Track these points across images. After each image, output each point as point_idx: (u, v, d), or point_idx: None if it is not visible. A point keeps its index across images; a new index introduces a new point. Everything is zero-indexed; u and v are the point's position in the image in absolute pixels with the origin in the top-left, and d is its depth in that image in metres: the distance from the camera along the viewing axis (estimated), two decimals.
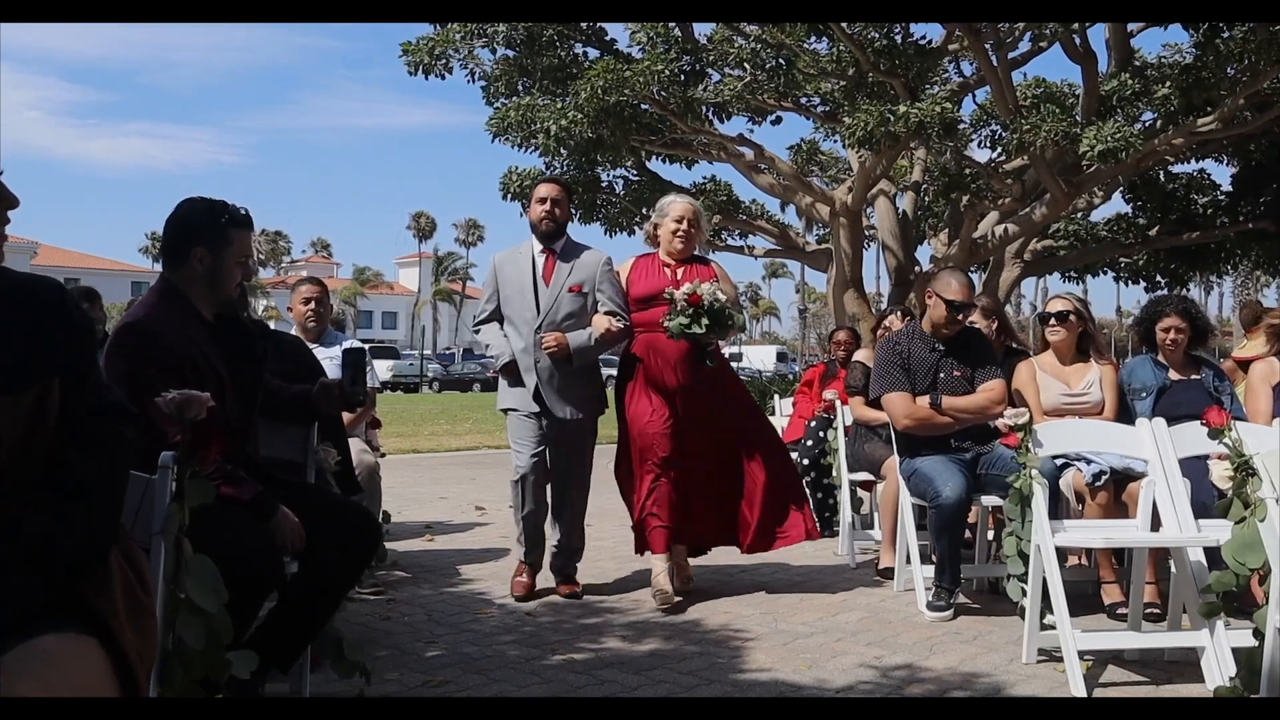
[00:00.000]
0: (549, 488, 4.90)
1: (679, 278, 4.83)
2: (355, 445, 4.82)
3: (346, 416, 4.90)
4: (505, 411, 4.91)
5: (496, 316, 4.95)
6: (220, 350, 2.95)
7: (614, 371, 5.02)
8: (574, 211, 13.59)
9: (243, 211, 3.01)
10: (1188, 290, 16.06)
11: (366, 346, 4.00)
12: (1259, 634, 3.12)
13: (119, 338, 2.84)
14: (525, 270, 4.85)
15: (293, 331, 5.34)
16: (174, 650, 2.14)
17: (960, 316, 4.78)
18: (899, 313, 6.49)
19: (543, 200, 4.87)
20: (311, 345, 5.05)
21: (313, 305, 5.35)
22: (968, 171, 13.63)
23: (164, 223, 2.95)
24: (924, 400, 4.71)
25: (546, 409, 4.76)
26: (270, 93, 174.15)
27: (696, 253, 5.07)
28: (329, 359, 4.83)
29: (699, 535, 5.02)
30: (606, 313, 4.80)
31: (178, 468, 2.22)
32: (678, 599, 4.68)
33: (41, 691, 1.59)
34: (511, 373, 4.84)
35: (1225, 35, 10.82)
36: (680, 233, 4.91)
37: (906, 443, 4.81)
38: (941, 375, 4.75)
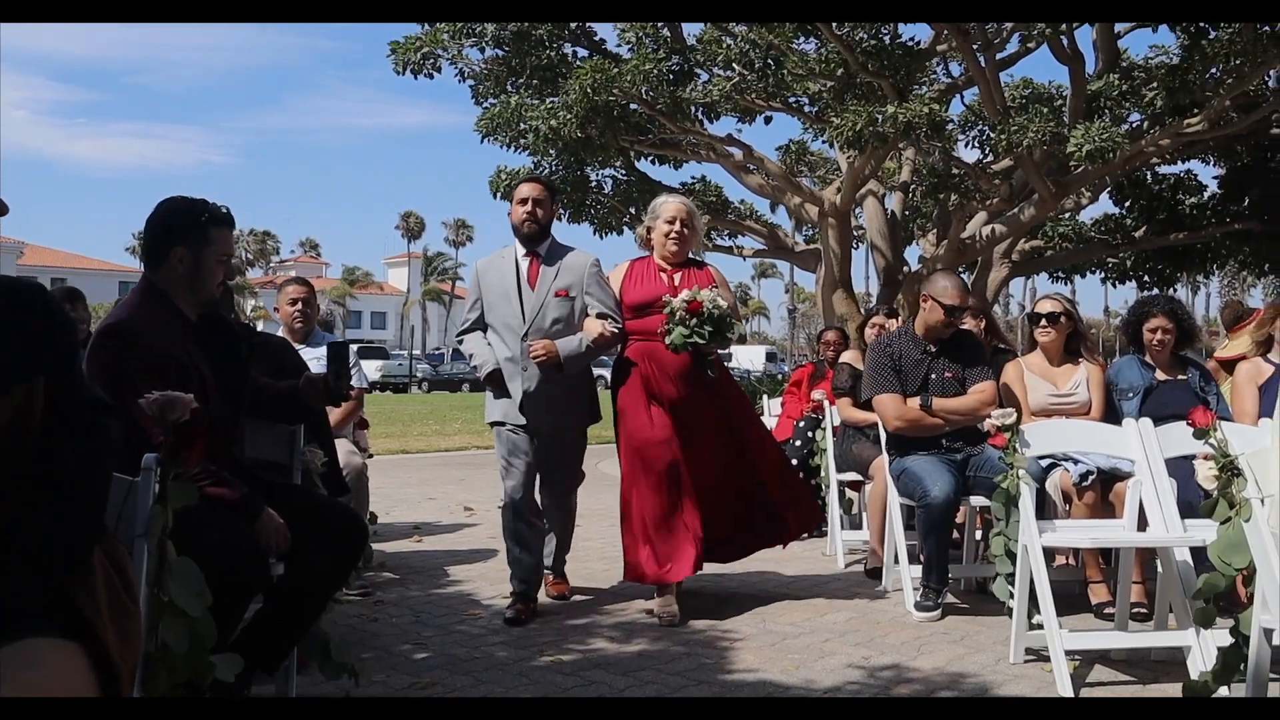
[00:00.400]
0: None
1: (676, 284, 4.64)
2: (343, 446, 4.81)
3: (334, 416, 4.89)
4: (493, 425, 4.69)
5: (480, 325, 4.73)
6: (204, 350, 2.94)
7: (604, 373, 4.93)
8: (563, 212, 13.56)
9: (223, 210, 2.99)
10: (1174, 291, 16.12)
11: (349, 342, 3.98)
12: (1236, 633, 3.13)
13: (100, 339, 2.83)
14: (509, 275, 4.63)
15: (279, 333, 5.32)
16: (157, 654, 2.13)
17: (956, 320, 4.79)
18: (898, 315, 6.50)
19: (524, 201, 4.63)
20: (299, 346, 5.04)
21: (300, 306, 5.32)
22: (956, 172, 13.65)
23: (144, 223, 2.94)
24: (915, 402, 4.71)
25: (534, 420, 4.56)
26: (259, 93, 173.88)
27: (692, 255, 4.89)
28: (315, 359, 4.81)
29: (718, 545, 4.78)
30: (598, 315, 4.55)
31: (160, 470, 2.21)
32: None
33: (23, 694, 1.58)
34: (497, 383, 4.60)
35: (1211, 36, 10.86)
36: (673, 235, 4.71)
37: (897, 442, 4.81)
38: (933, 377, 4.75)
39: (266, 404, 3.32)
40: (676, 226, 4.73)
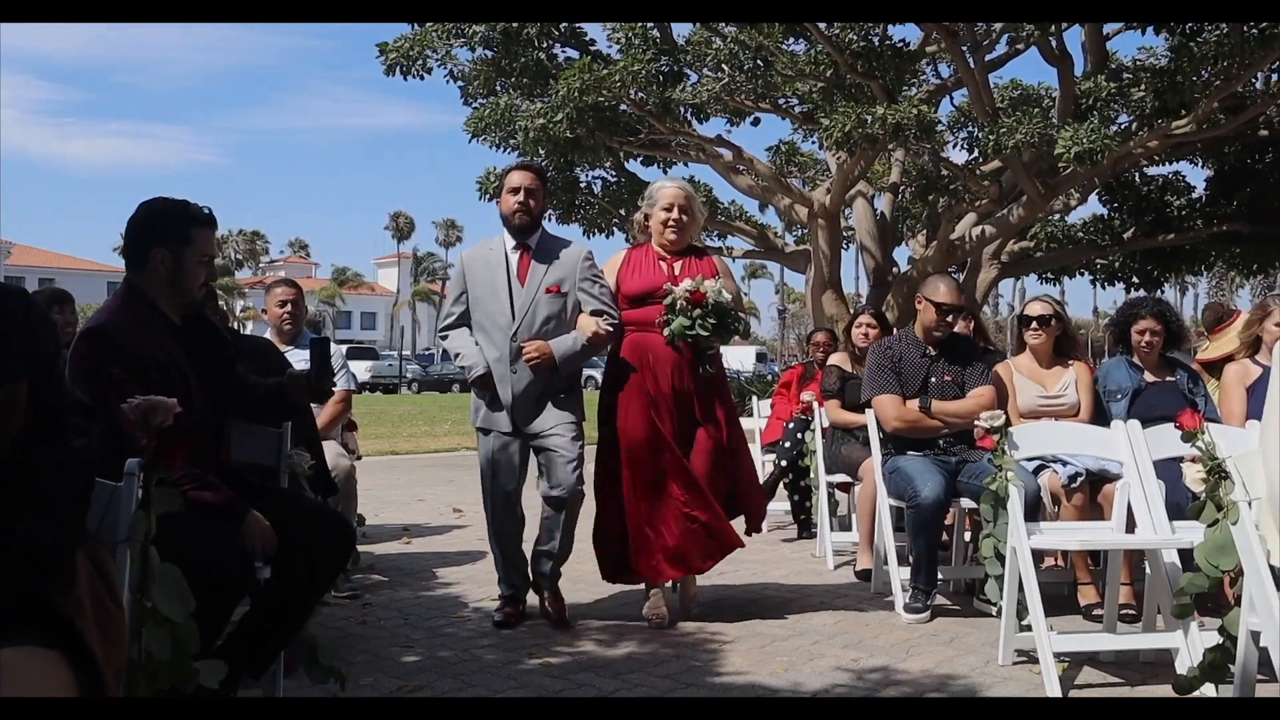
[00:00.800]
0: (543, 506, 4.48)
1: (677, 273, 4.44)
2: (331, 448, 4.79)
3: (322, 418, 4.87)
4: (479, 430, 4.45)
5: (465, 321, 4.48)
6: (187, 351, 2.92)
7: (593, 373, 4.85)
8: (552, 213, 13.54)
9: (204, 210, 2.97)
10: (1163, 292, 16.19)
11: (333, 339, 3.96)
12: (1224, 632, 3.14)
13: (82, 343, 2.81)
14: (498, 269, 4.38)
15: (268, 333, 5.30)
16: (141, 660, 2.11)
17: (949, 320, 4.79)
18: (885, 320, 6.51)
19: (515, 190, 4.38)
20: (287, 347, 5.02)
21: (288, 307, 5.30)
22: (945, 173, 13.67)
23: (125, 225, 2.93)
24: (914, 404, 4.71)
25: (524, 424, 4.34)
26: (249, 93, 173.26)
27: (693, 244, 4.68)
28: (302, 361, 4.78)
29: (712, 543, 4.56)
30: (592, 312, 4.33)
31: (143, 475, 2.19)
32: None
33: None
34: (486, 387, 4.38)
35: (1200, 38, 10.90)
36: (671, 222, 4.47)
37: (893, 440, 4.81)
38: (933, 380, 4.76)
39: (253, 403, 3.30)
40: (674, 214, 4.50)
